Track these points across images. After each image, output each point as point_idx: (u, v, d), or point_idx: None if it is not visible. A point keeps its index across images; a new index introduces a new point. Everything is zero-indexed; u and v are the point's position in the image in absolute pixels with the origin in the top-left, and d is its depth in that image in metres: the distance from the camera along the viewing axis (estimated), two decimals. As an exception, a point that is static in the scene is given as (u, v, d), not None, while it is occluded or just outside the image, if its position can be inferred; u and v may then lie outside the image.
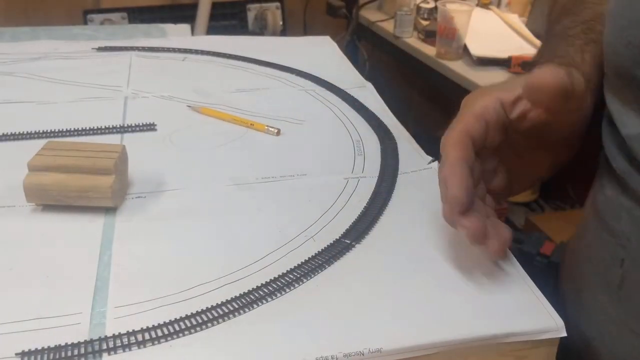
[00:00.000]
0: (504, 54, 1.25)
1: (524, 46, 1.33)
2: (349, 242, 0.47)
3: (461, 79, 1.25)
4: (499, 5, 1.56)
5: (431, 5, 1.48)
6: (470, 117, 0.40)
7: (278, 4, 1.62)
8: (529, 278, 0.43)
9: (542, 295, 0.42)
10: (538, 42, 1.32)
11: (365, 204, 0.52)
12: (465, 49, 1.30)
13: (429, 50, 1.38)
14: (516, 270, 0.44)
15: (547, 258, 1.23)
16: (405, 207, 0.52)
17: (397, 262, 0.45)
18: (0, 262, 0.44)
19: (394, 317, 0.39)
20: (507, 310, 0.40)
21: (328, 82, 0.78)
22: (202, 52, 0.87)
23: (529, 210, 1.76)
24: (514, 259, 0.45)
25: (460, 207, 0.37)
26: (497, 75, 1.23)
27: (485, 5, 1.53)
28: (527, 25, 1.41)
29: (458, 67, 1.28)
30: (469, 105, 0.41)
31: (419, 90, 1.89)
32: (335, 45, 0.96)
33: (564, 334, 0.39)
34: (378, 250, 0.46)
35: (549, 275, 0.39)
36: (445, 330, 0.38)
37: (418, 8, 1.49)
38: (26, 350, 0.36)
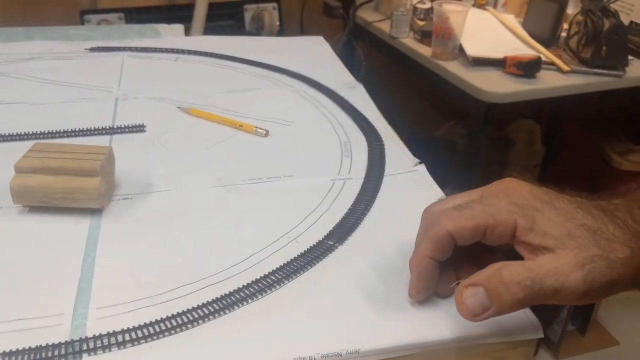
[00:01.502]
0: (499, 54, 1.25)
1: (520, 46, 1.33)
2: (331, 243, 0.47)
3: (457, 79, 1.25)
4: (495, 5, 1.56)
5: (427, 5, 1.47)
6: (429, 244, 0.39)
7: (275, 4, 1.61)
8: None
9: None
10: (534, 43, 1.32)
11: (349, 206, 0.52)
12: (461, 49, 1.30)
13: (425, 50, 1.37)
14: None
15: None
16: (389, 208, 0.52)
17: (378, 264, 0.45)
18: (-15, 263, 0.44)
19: (374, 318, 0.40)
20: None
21: (319, 83, 0.78)
22: (195, 53, 0.88)
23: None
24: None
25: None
26: (493, 75, 1.23)
27: (481, 6, 1.53)
28: (524, 25, 1.41)
29: (454, 68, 1.28)
30: (427, 226, 0.40)
31: (415, 90, 1.89)
32: (327, 45, 0.96)
33: (541, 335, 0.39)
34: (360, 252, 0.46)
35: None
36: (424, 331, 0.39)
37: (414, 9, 1.49)
38: (7, 350, 0.36)
